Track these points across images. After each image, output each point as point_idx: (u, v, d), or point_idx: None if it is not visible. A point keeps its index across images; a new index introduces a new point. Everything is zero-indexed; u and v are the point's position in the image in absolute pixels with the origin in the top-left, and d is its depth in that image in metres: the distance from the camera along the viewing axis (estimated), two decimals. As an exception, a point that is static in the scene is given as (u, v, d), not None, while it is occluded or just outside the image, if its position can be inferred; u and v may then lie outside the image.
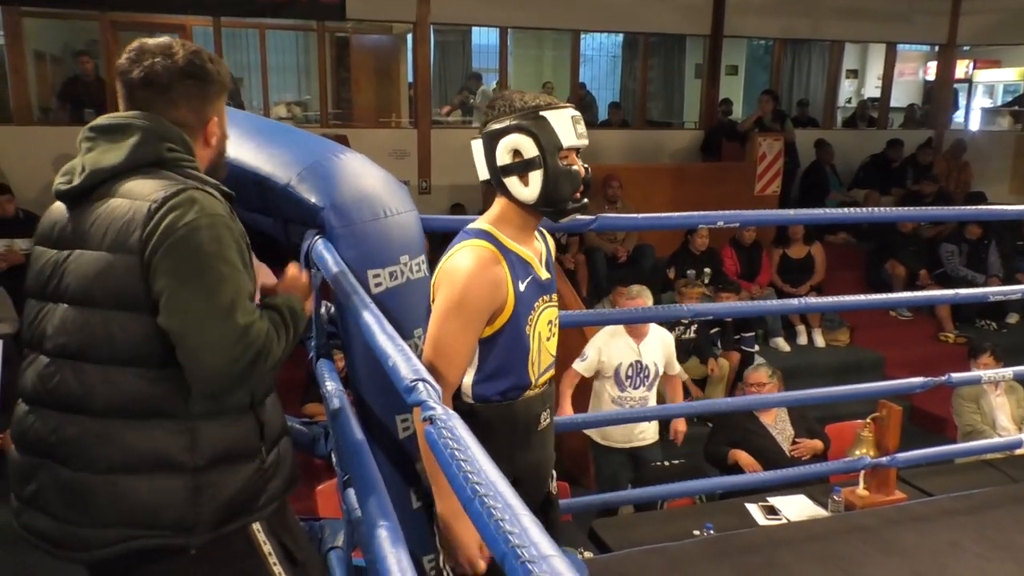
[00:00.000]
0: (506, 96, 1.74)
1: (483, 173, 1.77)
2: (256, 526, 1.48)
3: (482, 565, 1.72)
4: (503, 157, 1.71)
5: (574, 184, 1.72)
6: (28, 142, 6.50)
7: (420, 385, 1.19)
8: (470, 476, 0.94)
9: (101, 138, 1.43)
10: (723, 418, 4.08)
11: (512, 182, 1.72)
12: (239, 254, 1.38)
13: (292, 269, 1.68)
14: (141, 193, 1.36)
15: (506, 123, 1.70)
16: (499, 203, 1.78)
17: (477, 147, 1.76)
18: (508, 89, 1.81)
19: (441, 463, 1.02)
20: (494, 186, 1.76)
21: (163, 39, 1.50)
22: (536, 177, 1.69)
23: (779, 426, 3.91)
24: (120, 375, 1.35)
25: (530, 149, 1.68)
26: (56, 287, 1.41)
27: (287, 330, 1.48)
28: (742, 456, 3.75)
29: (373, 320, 1.48)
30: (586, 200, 1.77)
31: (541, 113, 1.69)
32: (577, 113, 1.74)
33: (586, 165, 1.76)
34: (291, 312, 1.51)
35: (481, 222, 1.79)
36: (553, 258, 1.94)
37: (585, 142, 1.74)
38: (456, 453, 0.99)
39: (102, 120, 1.46)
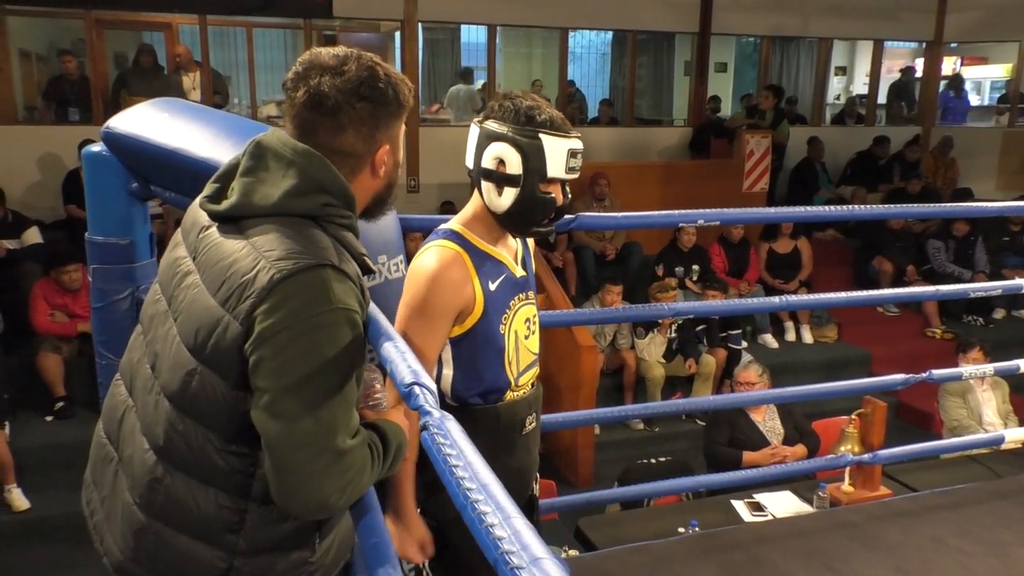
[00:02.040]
0: (516, 100, 1.67)
1: (468, 162, 1.73)
2: None
3: (419, 558, 1.73)
4: (488, 161, 1.67)
5: (544, 213, 1.70)
6: (13, 142, 6.44)
7: (416, 389, 1.18)
8: (463, 481, 0.94)
9: (262, 163, 1.27)
10: (716, 415, 4.09)
11: (488, 188, 1.69)
12: (356, 351, 1.23)
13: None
14: (272, 252, 1.19)
15: (503, 129, 1.65)
16: (474, 200, 1.76)
17: (473, 134, 1.71)
18: (522, 91, 1.72)
19: (437, 467, 1.02)
20: (472, 179, 1.74)
21: (336, 51, 1.30)
22: (511, 194, 1.66)
23: (769, 423, 3.93)
24: (191, 431, 1.24)
25: (515, 166, 1.64)
26: (173, 298, 1.30)
27: (381, 464, 1.30)
28: (754, 457, 3.76)
29: (374, 320, 1.40)
30: (552, 228, 1.76)
31: (540, 135, 1.63)
32: (578, 145, 1.67)
33: (567, 192, 1.73)
34: (398, 449, 1.35)
35: (453, 221, 1.77)
36: (532, 255, 1.92)
37: (574, 176, 1.69)
38: (450, 458, 0.99)
39: (271, 140, 1.28)
